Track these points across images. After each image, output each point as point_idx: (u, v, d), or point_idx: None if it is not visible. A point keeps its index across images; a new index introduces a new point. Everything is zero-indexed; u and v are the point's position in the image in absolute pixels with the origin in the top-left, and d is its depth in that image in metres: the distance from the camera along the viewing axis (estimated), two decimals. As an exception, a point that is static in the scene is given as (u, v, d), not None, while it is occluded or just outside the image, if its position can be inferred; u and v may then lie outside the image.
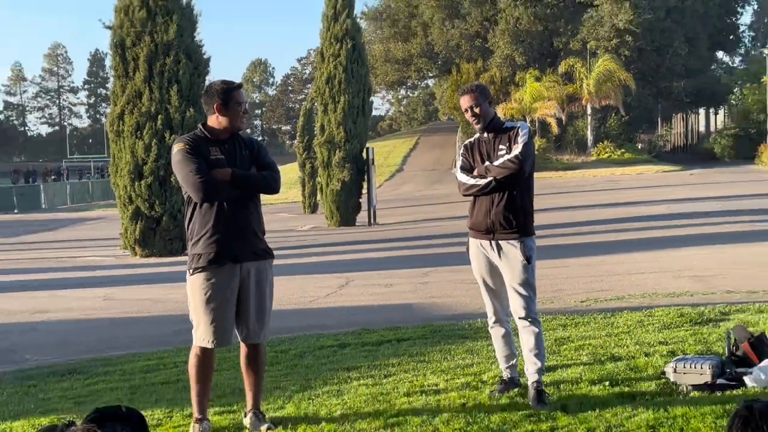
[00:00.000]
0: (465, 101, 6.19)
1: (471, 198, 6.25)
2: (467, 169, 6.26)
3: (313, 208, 33.39)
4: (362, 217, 28.14)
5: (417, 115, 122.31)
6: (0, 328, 11.33)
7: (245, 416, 5.85)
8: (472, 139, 6.42)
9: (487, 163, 6.12)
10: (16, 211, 47.83)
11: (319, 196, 30.75)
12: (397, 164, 64.67)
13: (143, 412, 4.94)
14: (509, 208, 6.06)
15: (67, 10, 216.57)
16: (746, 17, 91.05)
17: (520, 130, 6.15)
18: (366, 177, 28.08)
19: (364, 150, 28.17)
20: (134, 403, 5.96)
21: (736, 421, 2.87)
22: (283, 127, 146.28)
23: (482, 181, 6.09)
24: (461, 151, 6.43)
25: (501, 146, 6.12)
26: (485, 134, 6.25)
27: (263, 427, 5.68)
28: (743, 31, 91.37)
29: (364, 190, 28.21)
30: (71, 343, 9.96)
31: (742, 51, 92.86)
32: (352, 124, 27.71)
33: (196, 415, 5.71)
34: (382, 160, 56.84)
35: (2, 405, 6.89)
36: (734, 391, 6.02)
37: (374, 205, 28.54)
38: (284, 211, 35.48)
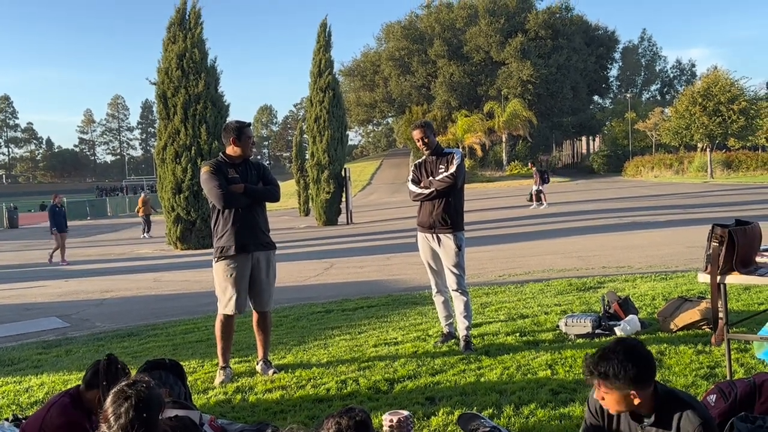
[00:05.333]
0: (416, 133, 6.19)
1: (419, 203, 6.26)
2: (416, 182, 6.26)
3: (307, 212, 33.16)
4: (342, 218, 28.06)
5: (381, 144, 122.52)
6: (78, 303, 11.17)
7: (257, 364, 5.81)
8: (420, 160, 6.41)
9: (431, 178, 6.13)
10: (88, 218, 47.18)
11: (310, 204, 30.61)
12: (367, 180, 64.62)
13: (182, 363, 4.90)
14: (446, 211, 6.07)
15: (123, 70, 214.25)
16: (614, 71, 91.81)
17: (455, 155, 6.17)
18: (344, 189, 28.00)
19: (343, 170, 28.09)
20: (176, 357, 5.90)
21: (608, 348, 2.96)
22: (284, 154, 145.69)
23: (427, 191, 6.11)
24: (412, 168, 6.42)
25: (441, 166, 6.13)
26: (430, 157, 6.25)
27: (270, 372, 5.64)
28: (612, 81, 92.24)
29: (344, 199, 28.15)
30: (130, 313, 9.84)
31: (611, 95, 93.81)
32: (333, 151, 27.60)
33: (221, 363, 5.67)
34: (356, 177, 56.68)
35: (78, 360, 6.79)
36: (608, 338, 6.06)
37: (351, 209, 28.48)
38: (286, 215, 35.29)
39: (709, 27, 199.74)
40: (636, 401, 2.89)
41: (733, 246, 4.22)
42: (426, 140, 6.16)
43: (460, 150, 6.54)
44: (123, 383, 2.87)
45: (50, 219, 18.93)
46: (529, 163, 32.97)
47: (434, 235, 6.12)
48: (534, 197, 27.75)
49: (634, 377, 2.84)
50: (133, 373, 4.09)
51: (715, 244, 4.26)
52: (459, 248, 6.05)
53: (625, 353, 2.86)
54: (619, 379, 2.85)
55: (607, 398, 2.95)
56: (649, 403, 2.92)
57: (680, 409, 2.87)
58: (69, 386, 5.53)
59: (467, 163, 51.49)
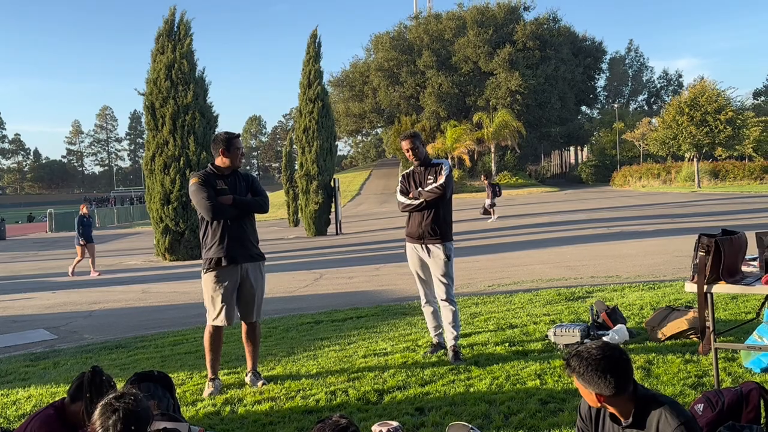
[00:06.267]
0: (405, 144, 6.21)
1: (407, 213, 6.27)
2: (405, 192, 6.28)
3: (296, 223, 33.14)
4: (331, 229, 28.05)
5: (370, 155, 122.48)
6: (66, 315, 11.09)
7: (246, 376, 5.80)
8: (408, 170, 6.43)
9: (419, 189, 6.15)
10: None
11: (300, 214, 30.57)
12: (356, 190, 64.60)
13: (171, 375, 4.88)
14: (435, 221, 6.10)
15: (112, 81, 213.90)
16: (601, 81, 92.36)
17: (443, 166, 6.21)
18: (334, 200, 28.01)
19: (332, 180, 28.10)
20: (164, 368, 5.87)
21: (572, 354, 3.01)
22: (273, 165, 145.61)
23: (416, 201, 6.13)
24: (400, 179, 6.43)
25: (429, 177, 6.16)
26: (419, 168, 6.28)
27: (259, 383, 5.63)
28: (599, 91, 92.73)
29: (333, 209, 28.15)
30: (118, 325, 9.79)
31: (599, 106, 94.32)
32: (323, 162, 27.62)
33: (210, 375, 5.65)
34: (345, 187, 56.73)
35: (66, 372, 6.75)
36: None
37: (340, 220, 28.48)
38: (275, 226, 35.23)
39: (695, 38, 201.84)
40: (601, 400, 2.92)
41: (720, 256, 4.25)
42: (415, 151, 6.18)
43: (449, 161, 6.57)
44: (111, 396, 2.86)
45: (77, 230, 18.17)
46: (482, 177, 33.10)
47: (423, 246, 6.14)
48: (487, 210, 27.83)
49: (599, 376, 2.86)
50: (121, 385, 4.08)
51: (702, 253, 4.29)
52: (448, 258, 6.07)
53: (597, 359, 2.88)
54: (582, 375, 2.89)
55: (581, 392, 3.01)
56: (626, 406, 2.94)
57: (658, 411, 2.89)
58: (56, 399, 5.50)
59: (456, 173, 51.67)
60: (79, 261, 18.10)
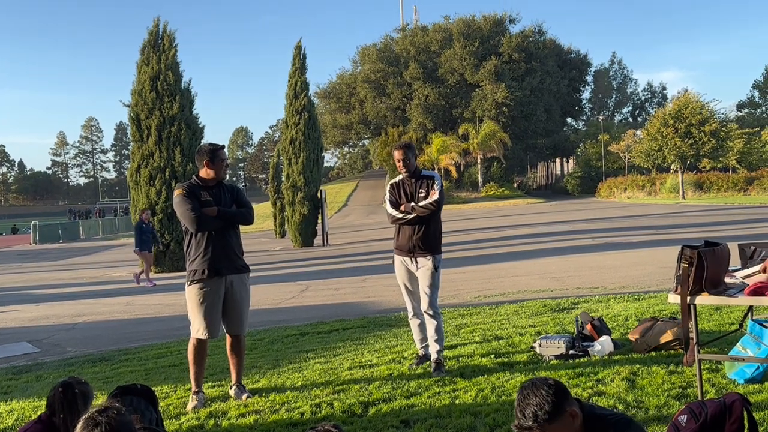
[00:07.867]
0: (398, 154, 6.20)
1: (396, 225, 6.25)
2: (394, 203, 6.24)
3: (283, 234, 33.07)
4: (318, 240, 28.00)
5: (357, 166, 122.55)
6: (49, 328, 10.98)
7: (231, 388, 5.76)
8: (396, 180, 6.37)
9: (412, 203, 6.12)
10: (61, 241, 46.53)
11: (286, 226, 30.51)
12: (343, 201, 64.61)
13: (154, 388, 4.83)
14: (426, 235, 6.09)
15: (98, 92, 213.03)
16: (586, 94, 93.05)
17: (435, 179, 6.20)
18: (320, 211, 27.98)
19: (319, 191, 28.09)
20: (148, 382, 5.83)
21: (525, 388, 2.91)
22: (260, 176, 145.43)
23: (409, 216, 6.11)
24: (388, 189, 6.36)
25: (421, 189, 6.14)
26: (409, 179, 6.26)
27: (244, 396, 5.59)
28: (584, 103, 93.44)
29: (320, 221, 28.12)
30: (102, 338, 9.70)
31: (584, 117, 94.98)
32: (309, 173, 27.61)
33: (194, 388, 5.61)
34: (332, 198, 56.66)
35: (49, 385, 6.66)
36: (581, 359, 6.10)
37: (327, 231, 28.43)
38: (262, 237, 35.13)
39: (679, 51, 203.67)
40: (577, 421, 2.87)
41: (703, 267, 4.28)
42: (407, 162, 6.17)
43: (439, 174, 6.57)
44: (93, 410, 2.83)
45: (136, 237, 17.36)
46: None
47: (413, 258, 6.13)
48: None
49: (558, 399, 2.82)
50: (101, 399, 4.04)
51: (685, 265, 4.31)
52: (436, 269, 6.08)
53: (534, 392, 2.81)
54: (550, 413, 2.79)
55: None
56: (581, 422, 2.91)
57: (604, 428, 2.86)
58: (39, 413, 5.43)
59: (443, 185, 51.79)
60: (144, 269, 17.33)
